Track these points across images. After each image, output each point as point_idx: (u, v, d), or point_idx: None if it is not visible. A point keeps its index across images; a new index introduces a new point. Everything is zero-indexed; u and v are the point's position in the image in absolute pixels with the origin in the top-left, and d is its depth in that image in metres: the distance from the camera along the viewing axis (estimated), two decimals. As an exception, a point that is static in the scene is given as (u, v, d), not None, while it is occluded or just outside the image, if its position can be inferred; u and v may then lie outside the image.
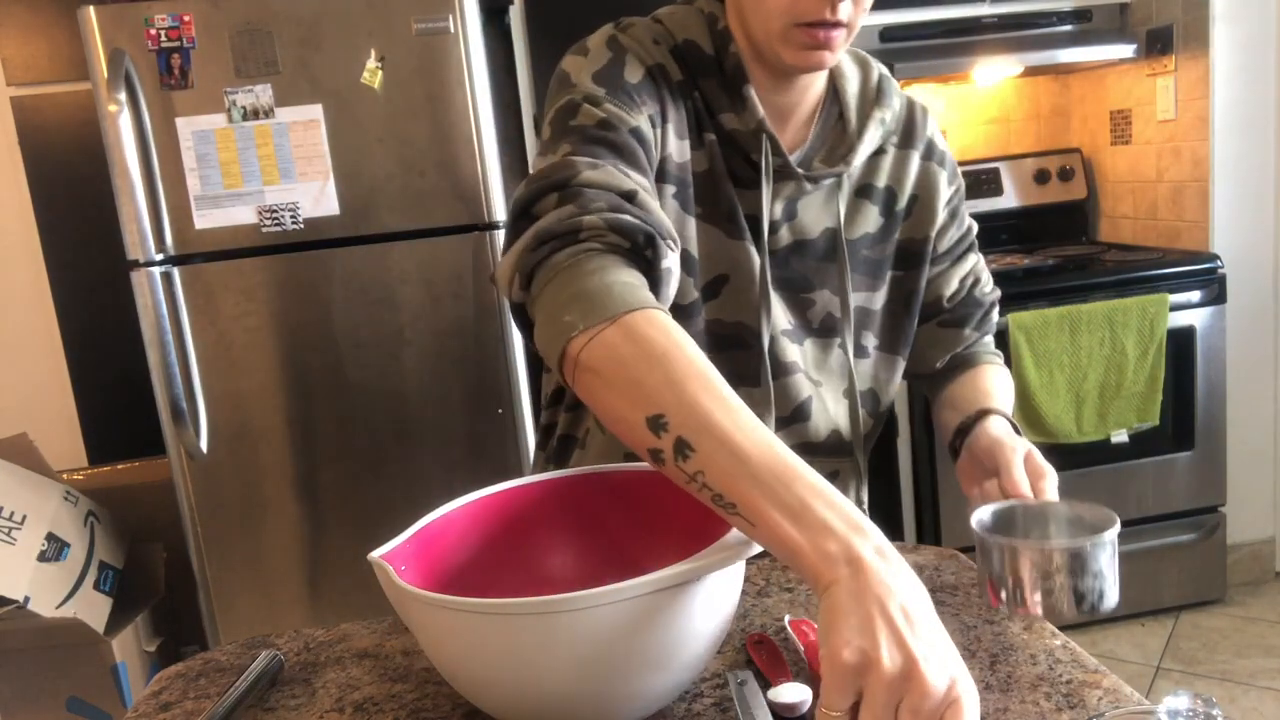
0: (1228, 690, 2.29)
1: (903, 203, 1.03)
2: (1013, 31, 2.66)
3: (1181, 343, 2.50)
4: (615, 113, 0.84)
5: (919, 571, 0.93)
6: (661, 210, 0.79)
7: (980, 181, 2.92)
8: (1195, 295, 2.48)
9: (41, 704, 2.09)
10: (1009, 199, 2.93)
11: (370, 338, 2.10)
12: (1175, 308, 2.44)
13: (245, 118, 1.98)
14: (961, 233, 1.08)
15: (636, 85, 0.88)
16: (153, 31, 1.94)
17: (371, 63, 1.99)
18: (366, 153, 2.03)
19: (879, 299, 1.04)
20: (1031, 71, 2.84)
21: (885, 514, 2.56)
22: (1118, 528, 0.71)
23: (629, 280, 0.72)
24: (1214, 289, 2.50)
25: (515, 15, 2.45)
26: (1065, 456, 2.48)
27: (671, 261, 0.77)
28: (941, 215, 1.05)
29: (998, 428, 0.93)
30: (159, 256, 2.00)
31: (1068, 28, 2.69)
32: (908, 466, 2.55)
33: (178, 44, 1.94)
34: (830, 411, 1.02)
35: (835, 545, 0.57)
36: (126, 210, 1.95)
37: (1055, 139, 3.05)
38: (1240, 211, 2.58)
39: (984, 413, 0.96)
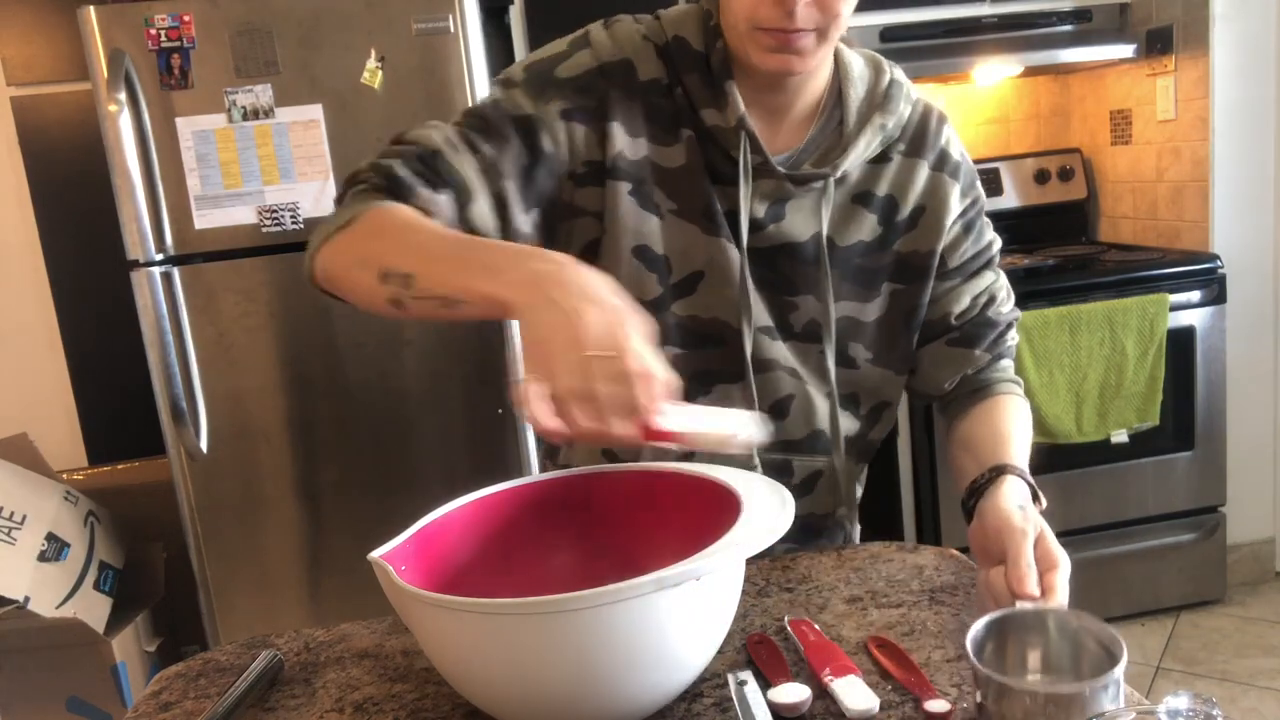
0: (1228, 690, 2.29)
1: (905, 213, 1.00)
2: (1013, 31, 2.66)
3: (1181, 343, 2.50)
4: (513, 99, 0.92)
5: (919, 572, 0.93)
6: (465, 168, 0.87)
7: (980, 181, 2.91)
8: (1195, 295, 2.48)
9: (41, 704, 2.09)
10: (1009, 199, 2.93)
11: (370, 338, 2.10)
12: (1175, 308, 2.44)
13: (245, 118, 1.98)
14: (978, 249, 1.04)
15: (564, 81, 0.93)
16: (153, 31, 1.94)
17: (371, 63, 1.99)
18: (366, 153, 2.01)
19: (871, 310, 1.01)
20: (1031, 71, 2.84)
21: (885, 514, 2.56)
22: (1124, 662, 0.61)
23: (368, 200, 0.84)
24: (1214, 289, 2.50)
25: (515, 15, 2.45)
26: (1065, 456, 2.48)
27: (428, 201, 0.85)
28: (952, 230, 1.01)
29: (1010, 499, 0.85)
30: (159, 256, 2.00)
31: (1068, 28, 2.69)
32: (908, 466, 2.55)
33: (178, 44, 1.94)
34: (813, 411, 1.01)
35: (520, 274, 0.67)
36: (126, 210, 1.95)
37: (1055, 139, 3.05)
38: (1240, 211, 2.58)
39: (999, 471, 0.89)
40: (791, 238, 0.97)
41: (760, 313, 0.98)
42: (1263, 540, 2.76)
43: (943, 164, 1.01)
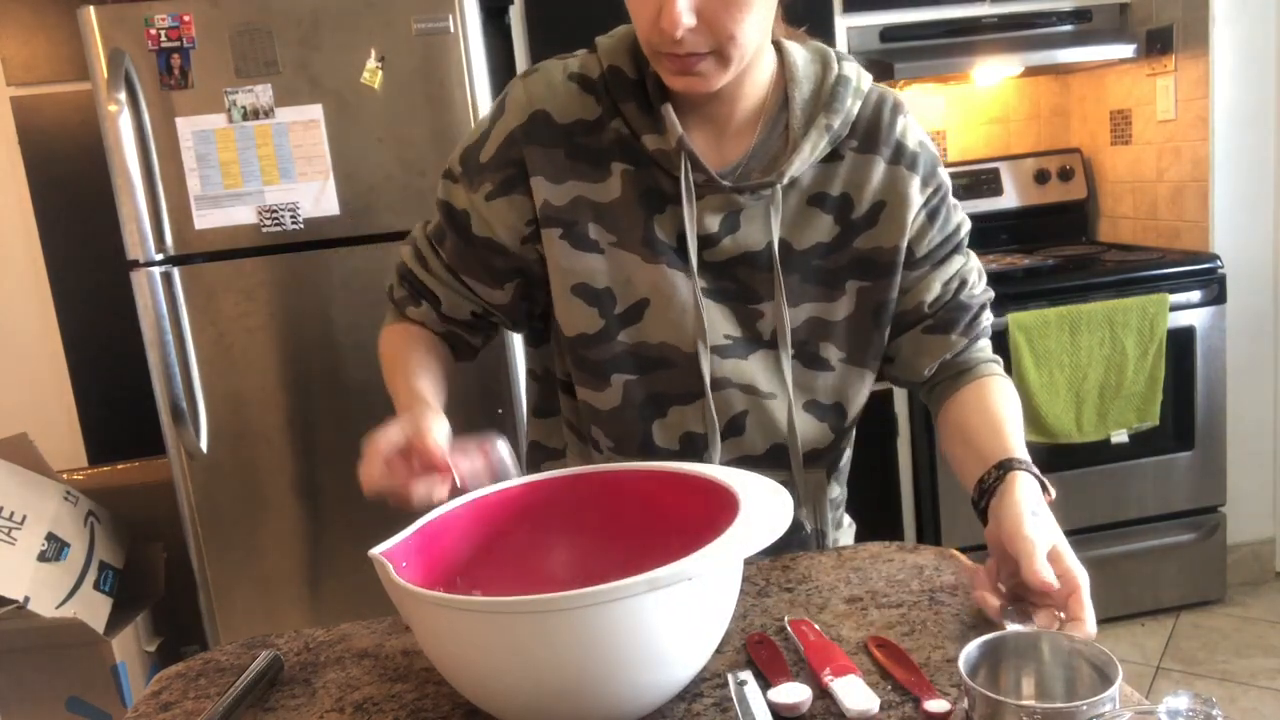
0: (1228, 690, 2.29)
1: (862, 209, 0.98)
2: (1013, 31, 2.66)
3: (1181, 343, 2.50)
4: (453, 195, 1.01)
5: (919, 572, 0.93)
6: (431, 279, 1.04)
7: (980, 181, 2.91)
8: (1195, 295, 2.48)
9: (41, 704, 2.09)
10: (1009, 199, 2.93)
11: (370, 338, 2.08)
12: (1175, 308, 2.44)
13: (245, 118, 1.98)
14: (945, 235, 1.02)
15: (486, 163, 0.98)
16: (153, 31, 1.94)
17: (371, 63, 1.99)
18: (366, 153, 2.03)
19: (839, 309, 1.00)
20: (1031, 71, 2.84)
21: (885, 514, 2.56)
22: (1119, 684, 0.61)
23: (389, 317, 1.11)
24: (1214, 289, 2.50)
25: (515, 15, 2.45)
26: (1065, 456, 2.48)
27: (415, 314, 1.07)
28: (916, 221, 1.00)
29: (1024, 502, 0.83)
30: (159, 256, 2.00)
31: (1068, 28, 2.69)
32: (908, 466, 2.55)
33: (178, 44, 1.94)
34: (776, 425, 1.01)
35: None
36: (126, 210, 1.95)
37: (1055, 139, 3.05)
38: (1240, 211, 2.58)
39: (1006, 468, 0.88)
40: (748, 247, 0.97)
41: (723, 327, 0.98)
42: (1263, 540, 2.76)
43: (899, 156, 0.99)
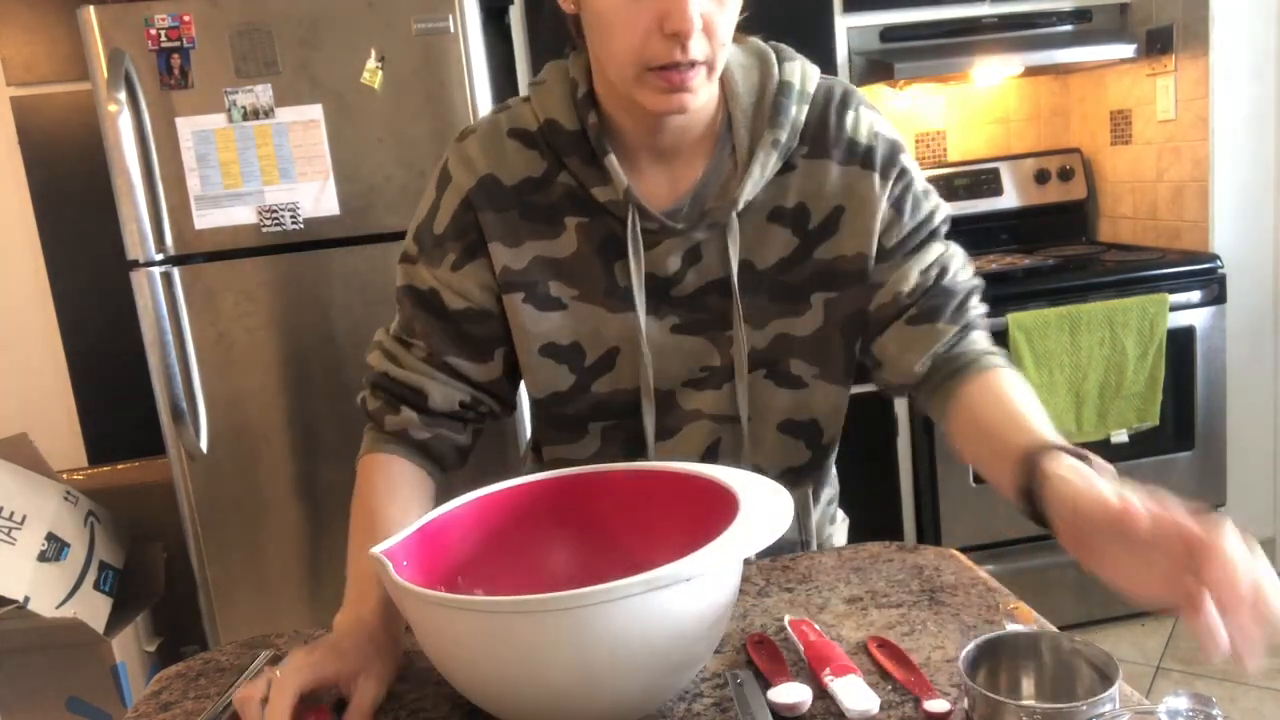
0: (1228, 690, 2.29)
1: (818, 218, 0.95)
2: (1013, 31, 2.66)
3: (1181, 343, 2.50)
4: (416, 275, 0.98)
5: (919, 572, 0.93)
6: (409, 373, 0.98)
7: (980, 181, 2.91)
8: (1195, 295, 2.48)
9: (41, 704, 2.09)
10: (1009, 199, 2.93)
11: (370, 338, 2.09)
12: (1175, 308, 2.44)
13: (245, 118, 1.98)
14: (916, 222, 0.96)
15: (443, 234, 0.96)
16: (153, 31, 1.94)
17: (371, 63, 1.99)
18: (366, 153, 2.03)
19: (806, 324, 0.97)
20: (1031, 71, 2.84)
21: (885, 514, 2.56)
22: (1119, 684, 0.60)
23: (366, 442, 1.03)
24: (1214, 289, 2.50)
25: (515, 15, 2.45)
26: (1065, 456, 2.48)
27: (395, 424, 1.00)
28: (880, 221, 0.95)
29: (1095, 480, 0.71)
30: (159, 256, 2.00)
31: (1068, 28, 2.69)
32: (908, 466, 2.55)
33: (178, 44, 1.94)
34: (740, 449, 1.00)
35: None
36: (126, 210, 1.95)
37: (1055, 139, 3.05)
38: (1240, 211, 2.58)
39: (1038, 454, 0.77)
40: (713, 276, 0.95)
41: (700, 359, 0.97)
42: (1263, 540, 2.73)
43: (852, 155, 0.94)
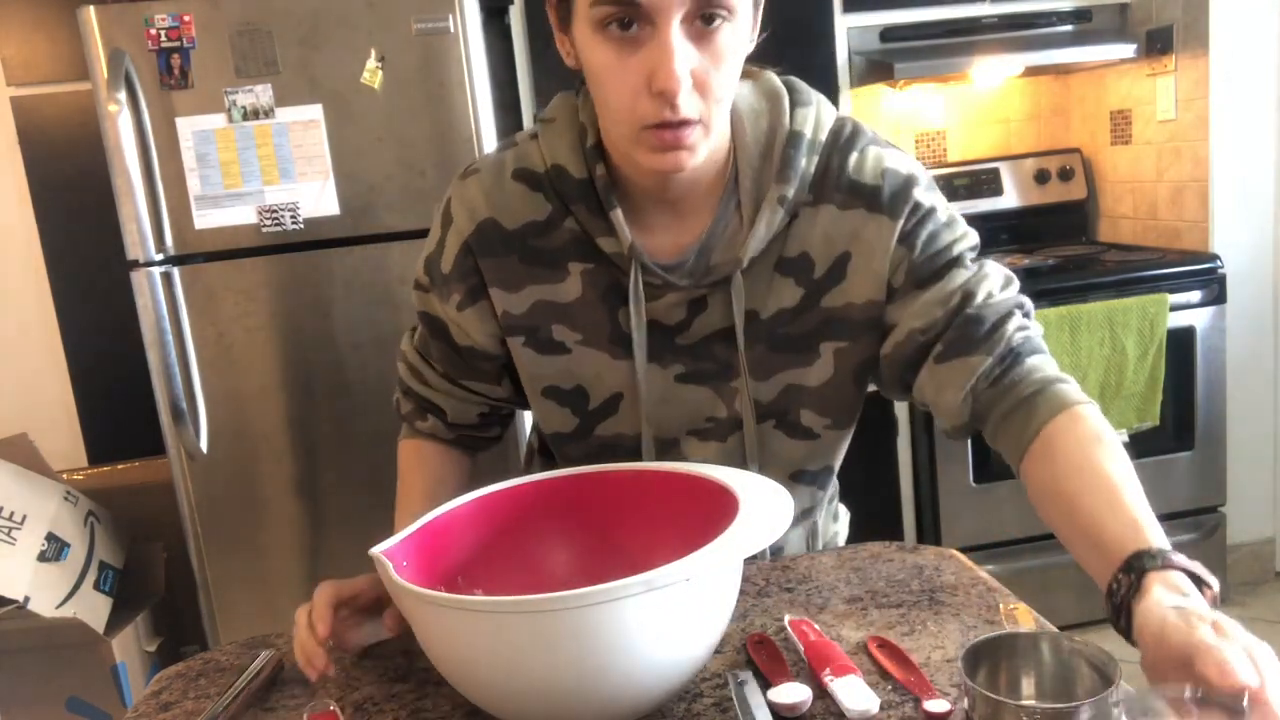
0: (1228, 690, 2.28)
1: (823, 267, 0.90)
2: (1013, 31, 2.66)
3: (1181, 343, 2.50)
4: (429, 304, 1.00)
5: (919, 572, 0.93)
6: (430, 389, 1.05)
7: (980, 181, 2.91)
8: (1195, 295, 2.48)
9: (41, 704, 2.09)
10: (1009, 199, 2.93)
11: (370, 338, 2.10)
12: (1175, 308, 2.44)
13: (245, 118, 1.98)
14: (929, 254, 0.89)
15: (449, 274, 0.96)
16: (153, 31, 1.94)
17: (371, 63, 1.99)
18: (366, 153, 2.03)
19: (815, 374, 0.94)
20: (1031, 71, 2.84)
21: (885, 514, 2.56)
22: (1119, 685, 0.60)
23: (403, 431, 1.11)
24: (1214, 289, 2.50)
25: (515, 15, 2.45)
26: (1065, 456, 2.48)
27: (424, 428, 1.07)
28: (889, 262, 0.90)
29: (1163, 600, 0.67)
30: (159, 256, 2.00)
31: (1068, 28, 2.69)
32: (908, 466, 2.55)
33: (178, 44, 1.94)
34: None
35: None
36: (126, 210, 1.95)
37: (1055, 139, 3.05)
38: (1240, 211, 2.58)
39: (1139, 567, 0.70)
40: (718, 325, 0.93)
41: (705, 410, 0.96)
42: (1263, 540, 2.76)
43: (856, 198, 0.89)
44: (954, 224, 0.92)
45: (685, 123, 0.79)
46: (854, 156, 0.90)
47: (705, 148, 0.83)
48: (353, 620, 0.88)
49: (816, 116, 0.91)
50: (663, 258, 0.91)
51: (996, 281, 0.90)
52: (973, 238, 0.92)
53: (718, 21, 0.77)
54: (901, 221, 0.89)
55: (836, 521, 1.16)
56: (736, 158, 0.90)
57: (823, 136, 0.91)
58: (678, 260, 0.91)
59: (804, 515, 1.05)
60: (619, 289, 0.92)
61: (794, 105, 0.91)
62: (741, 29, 0.81)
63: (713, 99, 0.80)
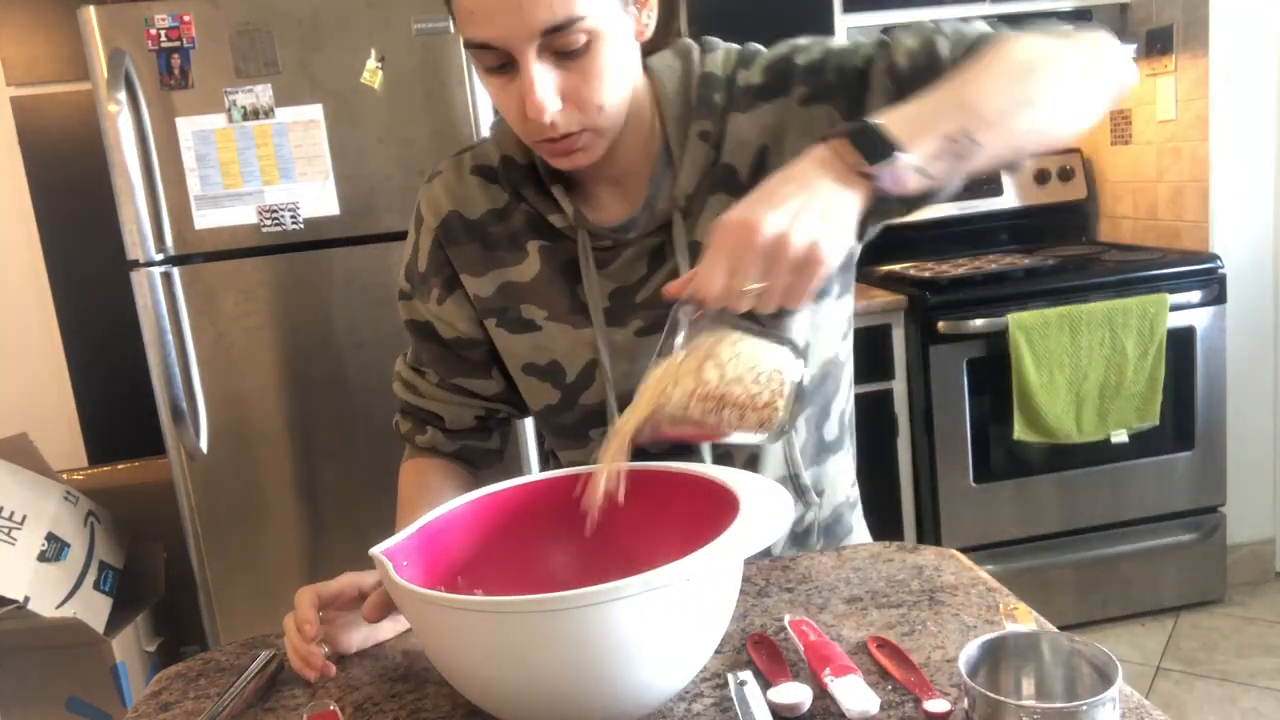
0: (1228, 690, 2.29)
1: (745, 170, 0.92)
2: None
3: (1181, 343, 2.50)
4: (413, 310, 1.04)
5: (919, 572, 0.93)
6: (425, 398, 1.06)
7: (980, 181, 2.91)
8: (1195, 295, 2.48)
9: (41, 704, 2.09)
10: (1009, 199, 2.93)
11: (370, 338, 2.10)
12: (1175, 308, 2.44)
13: (245, 118, 1.98)
14: (842, 82, 0.90)
15: (426, 272, 1.01)
16: (153, 31, 1.94)
17: (371, 63, 1.99)
18: (366, 153, 2.03)
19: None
20: (1031, 71, 2.83)
21: (885, 514, 2.56)
22: (1119, 684, 0.61)
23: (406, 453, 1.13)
24: (1214, 289, 2.50)
25: (515, 15, 2.45)
26: (1065, 456, 2.48)
27: (424, 441, 1.09)
28: (815, 129, 0.89)
29: (761, 195, 0.70)
30: (159, 256, 2.00)
31: (1067, 28, 2.69)
32: (908, 466, 2.55)
33: (178, 44, 1.94)
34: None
35: None
36: (126, 210, 1.95)
37: (1055, 139, 3.04)
38: (1240, 211, 2.58)
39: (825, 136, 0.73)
40: (677, 272, 0.94)
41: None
42: (1263, 540, 2.76)
43: (748, 97, 0.92)
44: (827, 40, 0.95)
45: (568, 135, 0.84)
46: (744, 72, 0.94)
47: (603, 142, 0.88)
48: (340, 621, 0.88)
49: (725, 56, 0.95)
50: (613, 222, 0.95)
51: (909, 41, 0.91)
52: (867, 46, 0.92)
53: (578, 48, 0.81)
54: (793, 89, 0.91)
55: (853, 510, 1.13)
56: (661, 113, 0.93)
57: (735, 64, 0.95)
58: (627, 220, 0.95)
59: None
60: (575, 262, 0.96)
61: (704, 52, 0.95)
62: (615, 39, 0.83)
63: (593, 109, 0.84)
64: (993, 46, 0.82)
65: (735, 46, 0.97)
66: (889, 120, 0.72)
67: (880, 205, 0.74)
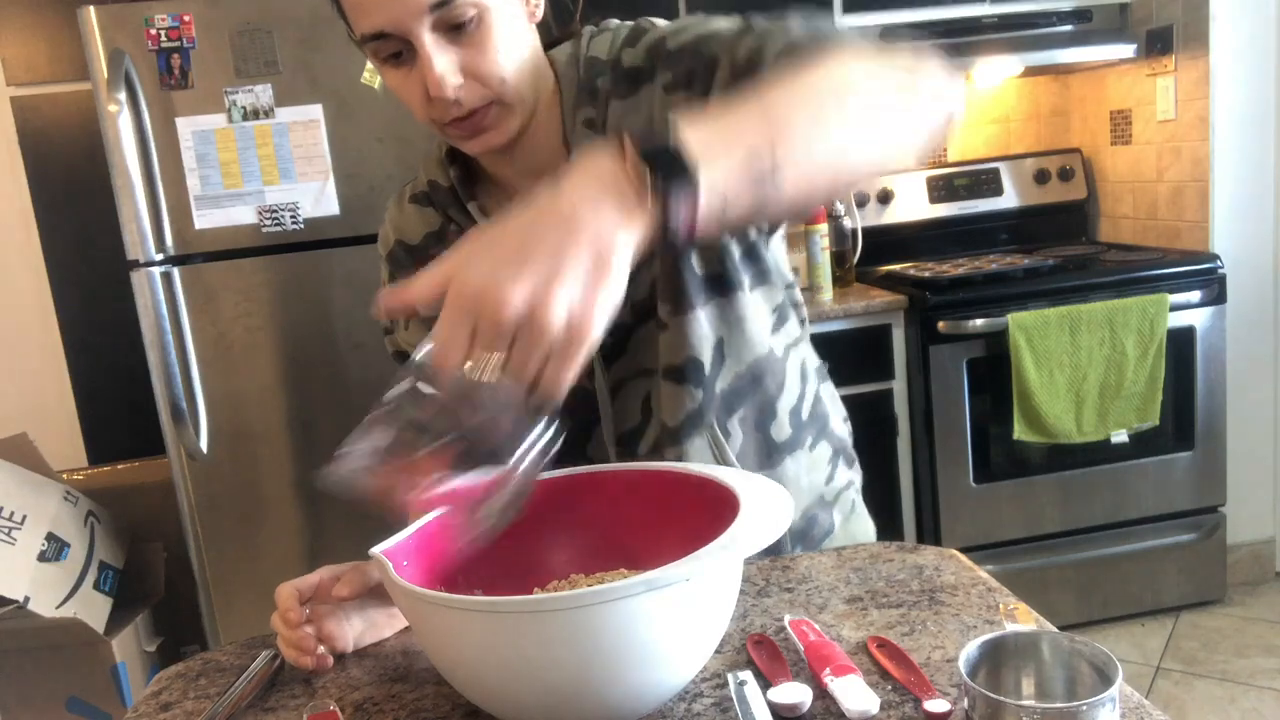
0: (1228, 690, 2.29)
1: None
2: (1013, 31, 2.66)
3: (1181, 343, 2.50)
4: (395, 341, 1.06)
5: (919, 572, 0.93)
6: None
7: (980, 181, 2.91)
8: (1195, 295, 2.48)
9: (41, 704, 2.09)
10: (1009, 199, 2.93)
11: (370, 338, 2.10)
12: (1175, 308, 2.44)
13: (245, 118, 1.98)
14: (701, 63, 0.86)
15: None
16: (153, 31, 1.94)
17: (371, 63, 1.99)
18: (366, 153, 2.03)
19: (657, 265, 0.94)
20: (1031, 71, 2.84)
21: (885, 514, 2.56)
22: (1119, 684, 0.61)
23: None
24: (1214, 289, 2.50)
25: (515, 15, 2.45)
26: (1065, 456, 2.48)
27: None
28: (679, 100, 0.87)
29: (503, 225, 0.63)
30: (159, 256, 2.00)
31: (1068, 28, 2.69)
32: (908, 466, 2.55)
33: (178, 44, 1.94)
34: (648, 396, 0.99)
35: None
36: (126, 210, 1.95)
37: (1055, 139, 3.05)
38: (1240, 211, 2.58)
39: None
40: None
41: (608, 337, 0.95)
42: (1263, 540, 2.76)
43: (624, 80, 0.91)
44: (716, 28, 0.88)
45: (473, 111, 0.85)
46: (629, 51, 0.93)
47: (514, 120, 0.88)
48: (329, 614, 0.87)
49: (610, 40, 0.94)
50: None
51: (748, 39, 0.85)
52: (728, 32, 0.87)
53: (468, 23, 0.82)
54: (664, 76, 0.89)
55: (851, 468, 1.12)
56: (563, 104, 0.94)
57: (619, 47, 0.93)
58: None
59: (696, 419, 0.98)
60: None
61: (592, 36, 0.95)
62: (505, 13, 0.84)
63: (495, 80, 0.85)
64: (815, 58, 0.74)
65: (628, 25, 0.95)
66: (689, 131, 0.62)
67: (664, 239, 0.62)
